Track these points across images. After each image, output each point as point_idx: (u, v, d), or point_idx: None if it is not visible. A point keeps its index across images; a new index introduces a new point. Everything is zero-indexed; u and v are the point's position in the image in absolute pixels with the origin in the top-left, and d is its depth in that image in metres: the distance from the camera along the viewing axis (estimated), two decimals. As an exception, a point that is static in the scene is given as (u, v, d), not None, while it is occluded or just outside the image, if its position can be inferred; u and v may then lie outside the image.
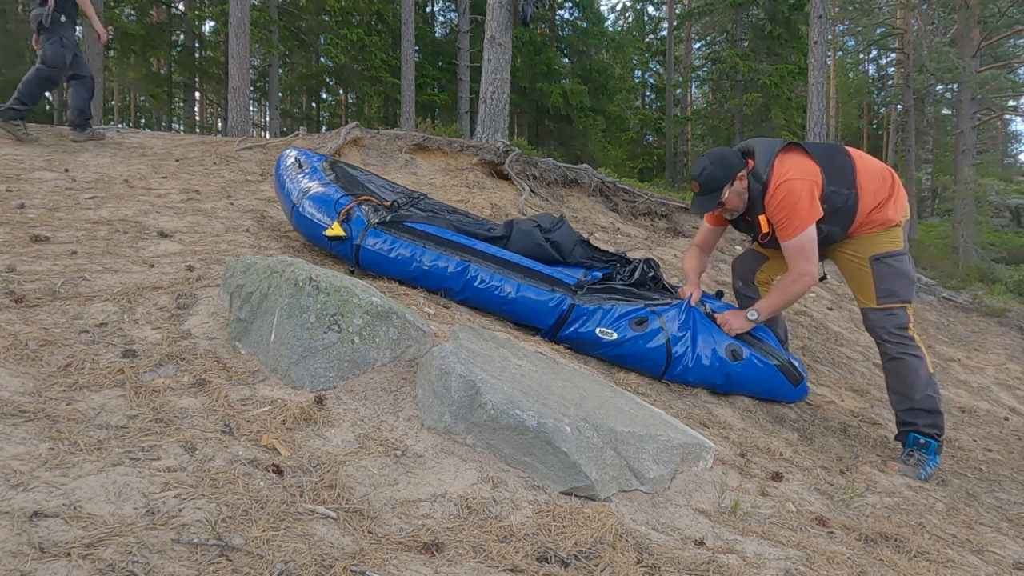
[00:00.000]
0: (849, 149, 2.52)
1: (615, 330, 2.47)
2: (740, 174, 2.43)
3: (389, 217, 2.63)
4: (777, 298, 2.51)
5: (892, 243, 2.45)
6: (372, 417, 1.59)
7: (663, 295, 2.69)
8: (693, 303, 2.59)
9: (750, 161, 2.48)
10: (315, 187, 2.78)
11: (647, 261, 2.88)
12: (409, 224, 2.63)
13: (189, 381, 1.60)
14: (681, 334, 2.48)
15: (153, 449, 1.29)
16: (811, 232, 2.36)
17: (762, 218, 2.45)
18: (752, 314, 2.55)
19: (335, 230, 2.57)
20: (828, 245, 2.50)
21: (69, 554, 0.94)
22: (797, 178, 2.34)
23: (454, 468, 1.43)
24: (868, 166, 2.46)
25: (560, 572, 1.14)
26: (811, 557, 1.37)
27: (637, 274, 2.78)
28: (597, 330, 2.47)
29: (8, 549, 0.94)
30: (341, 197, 2.70)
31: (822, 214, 2.37)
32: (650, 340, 2.45)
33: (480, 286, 2.53)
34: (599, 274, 2.80)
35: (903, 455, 2.41)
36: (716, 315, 2.62)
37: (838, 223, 2.43)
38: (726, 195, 2.45)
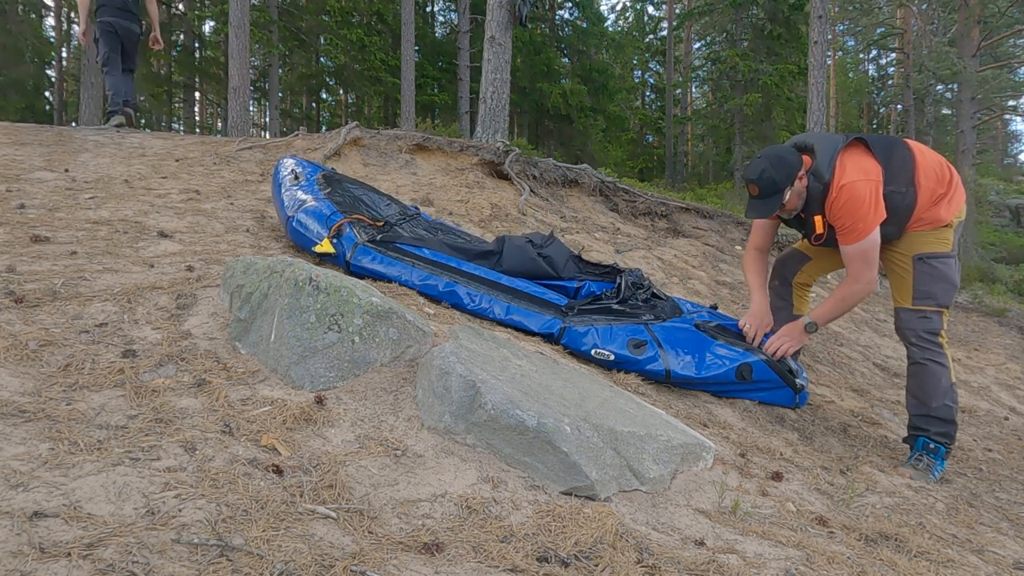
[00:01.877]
0: (909, 143, 2.37)
1: (611, 350, 2.42)
2: (800, 173, 2.30)
3: (379, 237, 2.64)
4: (836, 306, 2.40)
5: (939, 244, 2.34)
6: (372, 417, 1.59)
7: (655, 301, 2.67)
8: (766, 330, 2.54)
9: (806, 158, 2.35)
10: (309, 201, 2.79)
11: (626, 274, 2.84)
12: (398, 245, 2.64)
13: (189, 381, 1.60)
14: (681, 360, 2.43)
15: (153, 449, 1.29)
16: (875, 236, 2.24)
17: (818, 219, 2.34)
18: (811, 326, 2.43)
19: (325, 246, 2.58)
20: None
21: (69, 554, 0.94)
22: (861, 179, 2.21)
23: (454, 468, 1.43)
24: (928, 161, 2.33)
25: (560, 572, 1.14)
26: (811, 557, 1.37)
27: (623, 291, 2.74)
28: (593, 351, 2.43)
29: (8, 549, 0.94)
30: (332, 214, 2.71)
31: (885, 216, 2.24)
32: (648, 364, 2.41)
33: (470, 306, 2.52)
34: (593, 286, 2.78)
35: (912, 459, 2.37)
36: (773, 338, 2.49)
37: (894, 223, 2.31)
38: (787, 197, 2.31)
